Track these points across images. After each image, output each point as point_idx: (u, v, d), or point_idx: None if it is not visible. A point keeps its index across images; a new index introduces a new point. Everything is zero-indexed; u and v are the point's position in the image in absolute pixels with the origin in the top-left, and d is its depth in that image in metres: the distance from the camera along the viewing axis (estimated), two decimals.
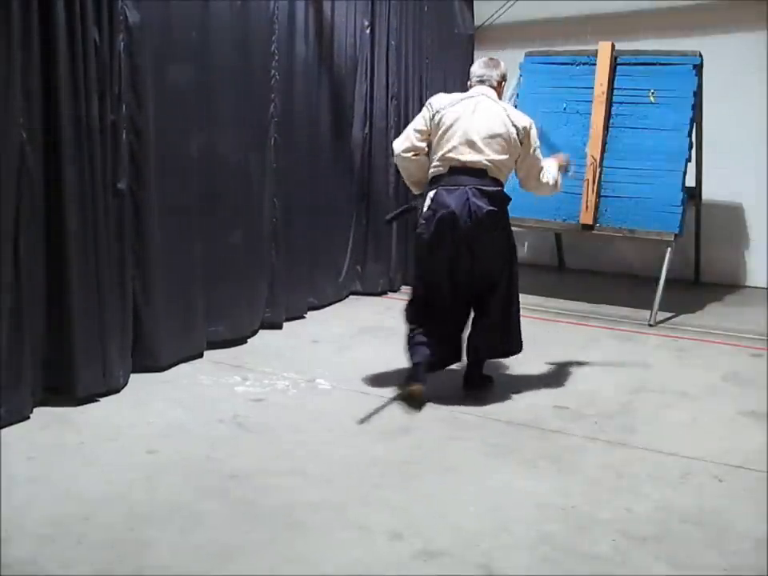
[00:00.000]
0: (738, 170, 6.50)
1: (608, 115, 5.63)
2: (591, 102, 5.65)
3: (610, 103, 5.64)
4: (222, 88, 4.36)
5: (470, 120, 3.50)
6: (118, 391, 3.64)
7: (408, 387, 3.50)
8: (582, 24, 6.93)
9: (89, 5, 3.39)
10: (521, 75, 6.05)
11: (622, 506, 2.65)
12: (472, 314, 3.74)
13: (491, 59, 3.81)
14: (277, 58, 4.78)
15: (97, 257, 3.53)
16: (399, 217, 4.04)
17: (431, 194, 3.53)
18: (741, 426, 3.47)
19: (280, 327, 4.96)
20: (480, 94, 3.63)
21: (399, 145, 3.68)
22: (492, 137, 3.49)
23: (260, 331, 4.83)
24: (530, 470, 2.95)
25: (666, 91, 5.48)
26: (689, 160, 5.49)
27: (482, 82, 3.71)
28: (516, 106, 6.00)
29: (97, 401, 3.51)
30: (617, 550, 2.37)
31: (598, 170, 5.60)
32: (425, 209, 3.54)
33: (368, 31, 5.76)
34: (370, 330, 4.99)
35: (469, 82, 3.78)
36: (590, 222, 5.63)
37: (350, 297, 5.90)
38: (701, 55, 5.46)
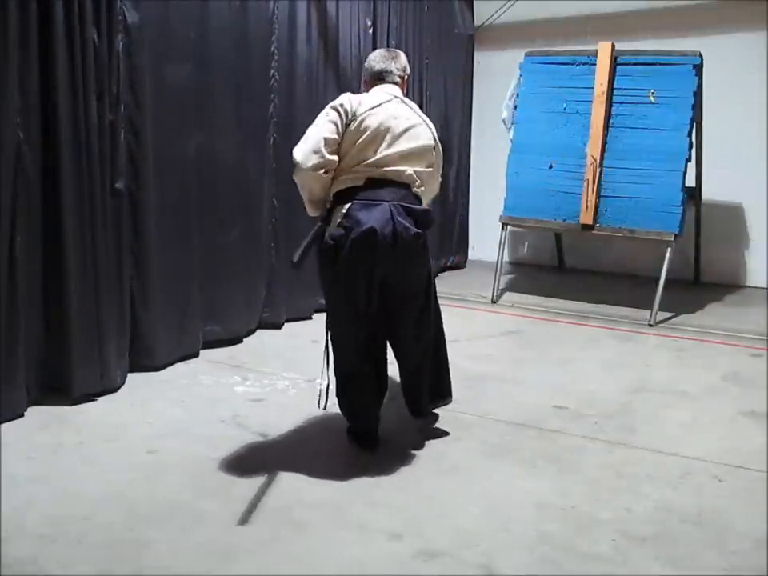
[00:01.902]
0: (738, 169, 6.50)
1: (608, 115, 5.63)
2: (591, 101, 5.65)
3: (610, 103, 5.64)
4: (221, 88, 4.37)
5: (395, 127, 2.94)
6: (115, 391, 3.64)
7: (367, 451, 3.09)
8: (581, 24, 6.93)
9: (87, 5, 3.40)
10: (521, 75, 6.05)
11: (622, 506, 2.65)
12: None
13: (389, 50, 3.28)
14: (276, 57, 4.78)
15: (94, 257, 3.54)
16: (307, 254, 3.06)
17: (343, 209, 2.88)
18: (741, 426, 3.47)
19: (279, 327, 4.96)
20: (393, 97, 3.04)
21: (307, 158, 2.87)
22: (417, 148, 2.99)
23: (260, 331, 4.83)
24: (530, 469, 2.94)
25: (666, 91, 5.48)
26: (689, 160, 5.49)
27: (381, 78, 3.11)
28: (516, 106, 6.06)
29: (95, 400, 3.52)
30: (617, 550, 2.36)
31: (598, 170, 5.60)
32: (333, 226, 2.91)
33: (370, 31, 5.76)
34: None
35: (363, 78, 3.21)
36: (590, 222, 5.64)
37: None
38: (701, 55, 5.46)
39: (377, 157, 2.91)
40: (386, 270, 2.91)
